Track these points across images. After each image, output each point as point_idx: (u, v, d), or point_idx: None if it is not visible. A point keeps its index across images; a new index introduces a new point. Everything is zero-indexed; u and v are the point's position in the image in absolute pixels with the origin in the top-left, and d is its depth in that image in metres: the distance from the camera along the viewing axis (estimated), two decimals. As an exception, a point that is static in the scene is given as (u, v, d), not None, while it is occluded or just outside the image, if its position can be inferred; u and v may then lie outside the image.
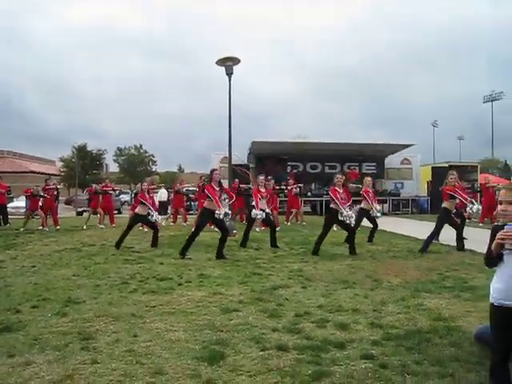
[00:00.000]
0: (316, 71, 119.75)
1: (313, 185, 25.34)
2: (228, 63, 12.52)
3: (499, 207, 2.74)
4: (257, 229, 13.29)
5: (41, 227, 14.55)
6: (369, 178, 11.15)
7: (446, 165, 27.70)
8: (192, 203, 22.26)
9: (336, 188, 8.78)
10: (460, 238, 9.15)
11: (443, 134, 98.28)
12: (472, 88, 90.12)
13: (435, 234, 9.24)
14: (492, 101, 57.45)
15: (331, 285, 5.96)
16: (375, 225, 10.76)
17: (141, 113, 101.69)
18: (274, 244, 9.88)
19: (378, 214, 10.70)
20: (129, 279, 6.35)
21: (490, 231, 2.77)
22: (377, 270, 6.99)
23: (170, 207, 20.80)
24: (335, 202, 8.66)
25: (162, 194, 18.49)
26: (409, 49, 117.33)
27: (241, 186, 14.72)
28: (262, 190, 10.15)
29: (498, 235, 2.60)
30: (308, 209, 23.82)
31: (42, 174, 45.04)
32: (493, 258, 2.71)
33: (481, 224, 14.98)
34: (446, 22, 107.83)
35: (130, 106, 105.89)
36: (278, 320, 4.35)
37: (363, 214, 10.73)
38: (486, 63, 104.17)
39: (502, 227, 2.70)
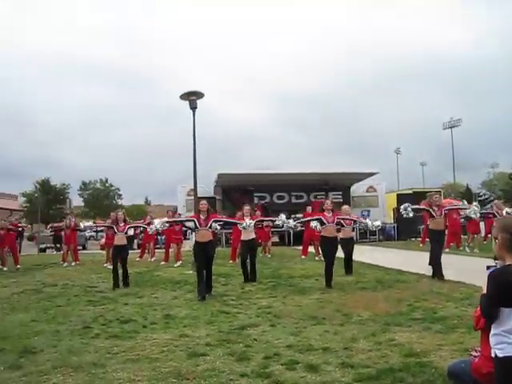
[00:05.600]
0: (278, 98, 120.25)
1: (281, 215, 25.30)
2: (192, 97, 12.45)
3: None
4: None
5: (-1, 267, 13.91)
6: (346, 207, 11.30)
7: (411, 191, 28.29)
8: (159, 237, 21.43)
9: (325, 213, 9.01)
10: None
11: (406, 160, 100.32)
12: (431, 114, 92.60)
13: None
14: (451, 127, 59.23)
15: (300, 321, 5.83)
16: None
17: (103, 143, 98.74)
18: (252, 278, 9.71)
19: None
20: (91, 323, 6.05)
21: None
22: (346, 304, 6.91)
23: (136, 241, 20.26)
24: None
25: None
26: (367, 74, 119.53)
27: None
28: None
29: None
30: (276, 239, 23.76)
31: (4, 209, 43.55)
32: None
33: (447, 250, 15.12)
34: (407, 47, 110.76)
35: (92, 136, 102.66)
36: (246, 363, 4.18)
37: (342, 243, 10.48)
38: (443, 90, 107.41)
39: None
